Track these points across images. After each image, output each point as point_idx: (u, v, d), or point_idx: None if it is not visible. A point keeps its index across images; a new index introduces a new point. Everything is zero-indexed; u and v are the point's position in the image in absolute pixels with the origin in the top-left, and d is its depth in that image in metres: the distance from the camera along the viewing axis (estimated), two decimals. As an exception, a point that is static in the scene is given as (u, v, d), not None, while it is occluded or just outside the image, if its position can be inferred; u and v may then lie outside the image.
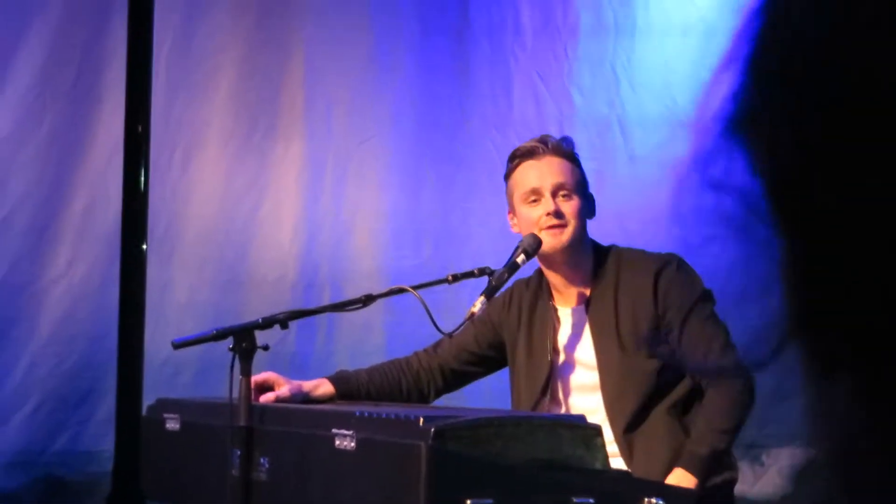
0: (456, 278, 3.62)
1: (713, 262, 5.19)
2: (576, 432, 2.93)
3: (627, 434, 3.54)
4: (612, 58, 5.59)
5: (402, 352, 3.96)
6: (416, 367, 3.86)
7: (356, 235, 5.25)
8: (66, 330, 4.86)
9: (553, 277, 3.72)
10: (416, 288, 3.50)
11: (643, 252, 3.72)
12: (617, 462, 3.47)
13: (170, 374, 4.75)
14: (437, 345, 3.87)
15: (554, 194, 3.61)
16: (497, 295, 3.57)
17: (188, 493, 3.56)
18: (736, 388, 3.51)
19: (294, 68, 5.33)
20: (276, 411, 3.40)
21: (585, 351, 3.65)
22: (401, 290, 3.55)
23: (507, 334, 3.80)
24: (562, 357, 3.68)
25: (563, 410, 3.65)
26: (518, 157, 3.70)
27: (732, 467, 3.66)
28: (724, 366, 3.52)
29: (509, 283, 3.69)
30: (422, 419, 2.77)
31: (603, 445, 2.93)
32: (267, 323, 3.35)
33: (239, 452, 3.23)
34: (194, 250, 5.04)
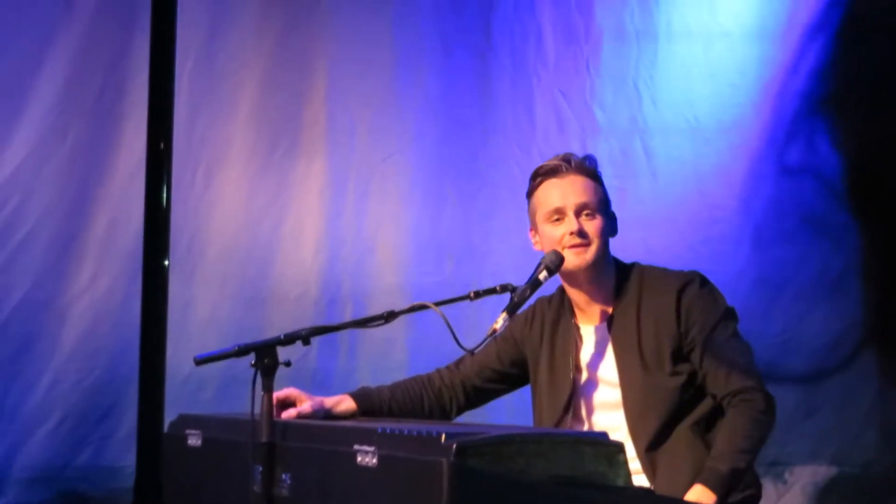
0: (478, 295, 3.61)
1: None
2: (598, 449, 2.91)
3: (650, 452, 3.53)
4: (633, 74, 5.59)
5: (424, 368, 3.95)
6: (439, 384, 3.85)
7: (378, 252, 5.25)
8: (88, 345, 4.87)
9: (575, 295, 3.71)
10: (438, 304, 3.49)
11: (665, 270, 3.71)
12: (640, 480, 3.46)
13: (192, 390, 4.76)
14: (459, 361, 3.87)
15: (577, 214, 3.61)
16: (519, 312, 3.57)
17: (210, 509, 3.56)
18: (757, 408, 3.50)
19: (316, 86, 5.34)
20: (298, 427, 3.39)
21: (608, 369, 3.64)
22: (423, 307, 3.54)
23: (529, 351, 3.79)
24: (584, 375, 3.67)
25: (585, 428, 3.64)
26: (541, 175, 3.70)
27: (755, 484, 3.65)
28: (748, 385, 3.51)
29: (531, 300, 3.68)
30: (444, 435, 2.75)
31: (625, 462, 2.92)
32: (289, 339, 3.34)
33: (261, 468, 3.23)
34: (216, 267, 5.04)
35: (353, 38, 5.38)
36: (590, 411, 3.67)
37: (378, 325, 3.55)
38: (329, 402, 3.69)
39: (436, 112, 5.39)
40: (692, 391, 3.56)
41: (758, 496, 3.70)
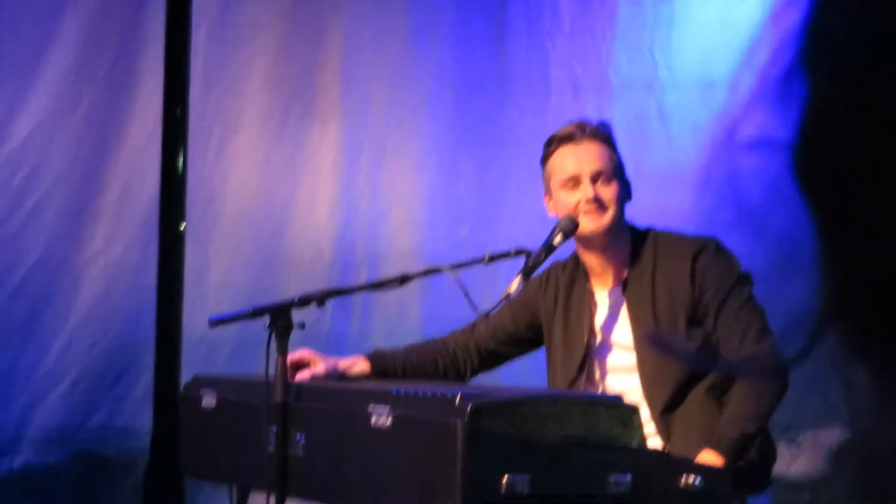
0: (492, 258, 3.62)
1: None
2: (613, 411, 2.92)
3: (664, 415, 3.54)
4: (649, 39, 5.57)
5: (438, 331, 3.96)
6: (453, 347, 3.86)
7: (392, 216, 5.25)
8: (102, 309, 4.88)
9: (590, 260, 3.71)
10: (452, 268, 3.50)
11: (680, 235, 3.71)
12: (654, 443, 3.47)
13: (206, 351, 4.76)
14: (473, 324, 3.87)
15: (593, 180, 3.60)
16: (534, 276, 3.57)
17: (224, 469, 3.57)
18: (770, 373, 3.50)
19: (331, 52, 5.33)
20: (312, 388, 3.40)
21: (623, 333, 3.64)
22: (437, 270, 3.55)
23: (543, 315, 3.79)
24: (598, 338, 3.68)
25: (599, 391, 3.64)
26: (556, 141, 3.69)
27: (770, 448, 3.66)
28: (759, 351, 3.51)
29: (546, 265, 3.69)
30: (458, 397, 2.76)
31: (640, 424, 2.93)
32: (303, 301, 3.35)
33: (275, 429, 3.24)
34: (231, 232, 5.05)
35: (367, 4, 5.37)
36: (603, 374, 3.68)
37: (392, 288, 3.56)
38: (343, 363, 3.69)
39: (451, 77, 5.38)
40: (707, 355, 3.57)
41: (772, 459, 3.71)
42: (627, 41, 5.55)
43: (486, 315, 3.60)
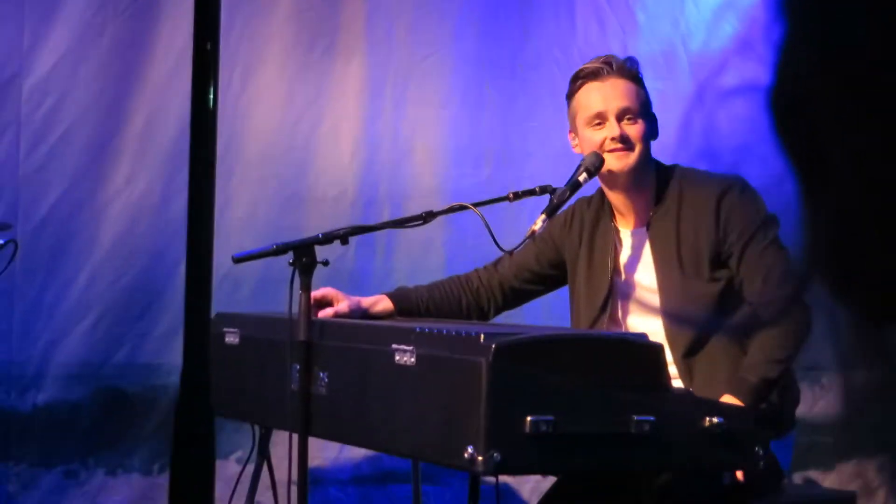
0: (517, 196, 3.59)
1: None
2: (637, 350, 2.91)
3: (687, 358, 3.51)
4: (676, -25, 5.51)
5: (461, 269, 3.95)
6: (477, 285, 3.84)
7: (416, 153, 5.22)
8: (125, 245, 4.88)
9: (615, 199, 3.68)
10: (476, 205, 3.47)
11: (707, 174, 3.67)
12: (676, 385, 3.45)
13: (229, 289, 4.76)
14: (497, 262, 3.86)
15: (619, 118, 3.56)
16: (558, 213, 3.54)
17: (247, 408, 3.57)
18: (793, 318, 3.46)
19: (355, -15, 5.28)
20: (336, 326, 3.40)
21: (646, 273, 3.62)
22: (461, 208, 3.53)
23: (567, 253, 3.77)
24: (622, 278, 3.65)
25: (622, 331, 3.63)
26: (581, 77, 3.65)
27: (794, 391, 3.64)
28: (782, 294, 3.47)
29: (571, 202, 3.66)
30: (483, 336, 2.75)
31: (664, 364, 2.91)
32: (327, 238, 3.34)
33: (298, 367, 3.23)
34: (254, 168, 5.03)
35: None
36: (626, 314, 3.66)
37: (416, 225, 3.55)
38: (366, 301, 3.69)
39: (475, 12, 5.33)
40: (731, 297, 3.54)
41: (796, 403, 3.69)
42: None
43: (510, 253, 3.58)
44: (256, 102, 5.08)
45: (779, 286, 3.46)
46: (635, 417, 2.79)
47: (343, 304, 3.60)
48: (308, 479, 3.24)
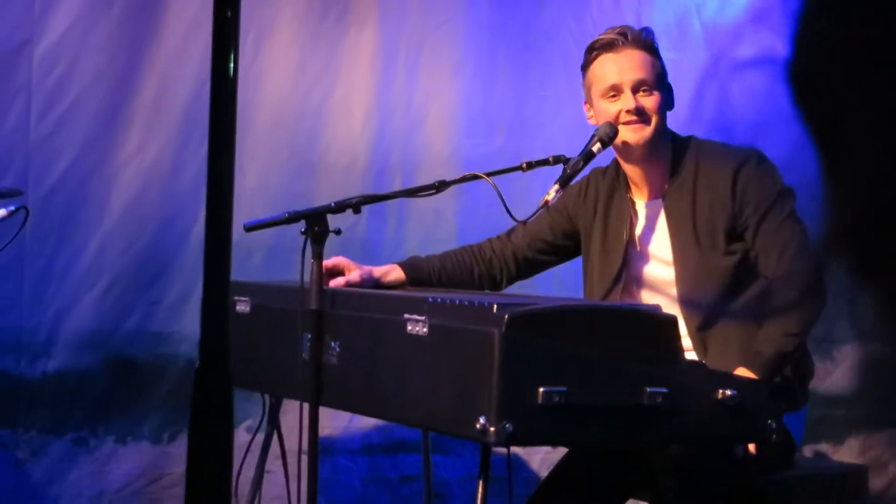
0: (530, 166, 3.57)
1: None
2: (650, 322, 2.89)
3: (701, 331, 3.50)
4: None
5: (473, 239, 3.93)
6: (489, 254, 3.83)
7: (428, 122, 5.19)
8: (136, 212, 4.85)
9: (630, 170, 3.66)
10: (489, 175, 3.45)
11: (723, 146, 3.65)
12: (690, 357, 3.44)
13: (240, 257, 4.72)
14: (510, 232, 3.84)
15: (634, 90, 3.54)
16: (572, 183, 3.52)
17: (258, 377, 3.56)
18: (808, 292, 3.45)
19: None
20: (348, 296, 3.38)
21: (661, 245, 3.60)
22: (474, 177, 3.50)
23: (581, 223, 3.76)
24: (637, 249, 3.64)
25: (635, 303, 3.61)
26: (597, 48, 3.62)
27: (808, 364, 3.63)
28: (798, 268, 3.46)
29: (585, 172, 3.64)
30: (496, 306, 2.73)
31: (678, 336, 2.90)
32: (340, 207, 3.32)
33: (309, 336, 3.22)
34: (266, 136, 5.00)
35: None
36: (640, 286, 3.65)
37: (429, 194, 3.53)
38: (378, 271, 3.68)
39: (489, -21, 5.30)
40: (746, 271, 3.52)
41: (810, 376, 3.68)
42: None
43: (524, 223, 3.56)
44: (268, 70, 5.05)
45: (794, 260, 3.46)
46: (648, 389, 2.78)
47: (354, 274, 3.59)
48: (318, 449, 3.23)
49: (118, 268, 4.86)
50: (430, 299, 2.93)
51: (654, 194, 3.62)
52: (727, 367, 3.27)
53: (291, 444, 3.62)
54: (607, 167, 3.75)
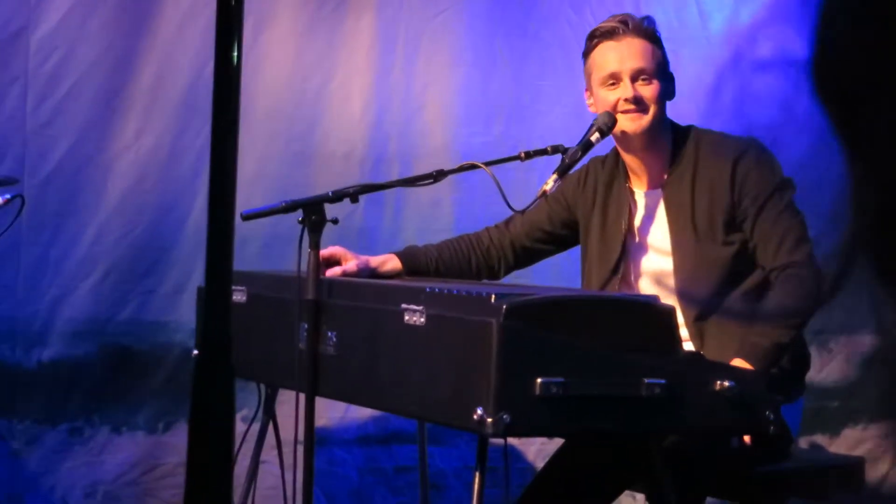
0: (528, 155, 3.57)
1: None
2: (648, 312, 2.88)
3: (699, 321, 3.50)
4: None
5: (470, 229, 3.92)
6: (487, 243, 3.82)
7: (427, 111, 5.17)
8: (133, 201, 4.84)
9: (630, 160, 3.65)
10: (487, 164, 3.44)
11: (723, 136, 3.64)
12: (687, 348, 3.43)
13: (236, 246, 4.71)
14: (508, 221, 3.84)
15: (633, 79, 3.54)
16: (571, 173, 3.51)
17: (253, 367, 3.55)
18: (805, 283, 3.45)
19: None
20: (345, 285, 3.37)
21: (660, 236, 3.60)
22: (472, 167, 3.50)
23: (580, 213, 3.75)
24: (636, 240, 3.63)
25: (633, 293, 3.60)
26: (597, 36, 3.62)
27: (804, 356, 3.62)
28: (796, 259, 3.45)
29: (584, 161, 3.63)
30: (493, 296, 2.72)
31: (676, 327, 2.89)
32: (337, 196, 3.31)
33: (306, 326, 3.21)
34: (263, 124, 4.98)
35: None
36: (638, 276, 3.64)
37: (427, 184, 3.52)
38: (375, 261, 3.67)
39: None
40: (744, 261, 3.52)
41: (806, 368, 3.68)
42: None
43: (522, 212, 3.55)
44: (266, 58, 5.03)
45: (793, 251, 3.45)
46: (646, 380, 2.77)
47: (351, 263, 3.58)
48: (314, 439, 3.22)
49: (114, 256, 4.84)
50: (428, 289, 2.92)
51: (654, 184, 3.62)
52: (724, 357, 3.26)
53: (286, 434, 3.61)
54: (606, 156, 3.74)
